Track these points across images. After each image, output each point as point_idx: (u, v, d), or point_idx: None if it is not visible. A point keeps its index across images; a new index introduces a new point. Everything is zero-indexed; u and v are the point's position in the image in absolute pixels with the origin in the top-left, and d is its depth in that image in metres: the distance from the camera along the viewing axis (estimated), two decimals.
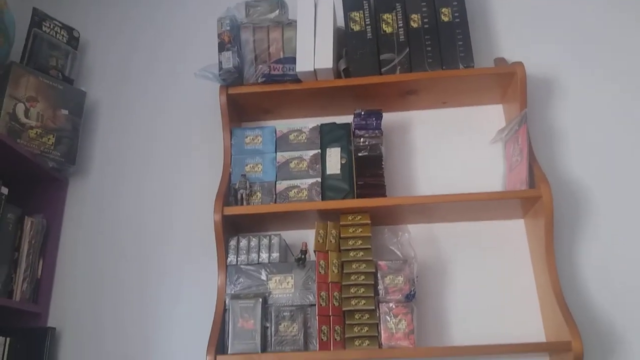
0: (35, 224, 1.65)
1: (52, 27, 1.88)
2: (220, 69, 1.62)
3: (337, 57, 1.65)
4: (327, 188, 1.55)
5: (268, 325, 1.42)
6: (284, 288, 1.46)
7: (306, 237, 1.59)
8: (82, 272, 1.69)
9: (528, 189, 1.44)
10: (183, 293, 1.63)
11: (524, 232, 1.57)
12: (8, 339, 1.46)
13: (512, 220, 1.59)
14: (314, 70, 1.58)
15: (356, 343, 1.36)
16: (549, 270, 1.39)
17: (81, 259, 1.71)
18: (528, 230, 1.55)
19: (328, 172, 1.57)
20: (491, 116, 1.70)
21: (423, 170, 1.68)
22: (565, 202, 1.58)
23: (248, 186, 1.57)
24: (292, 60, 1.61)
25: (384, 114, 1.62)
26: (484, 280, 1.53)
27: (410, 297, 1.40)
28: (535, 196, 1.42)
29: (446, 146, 1.70)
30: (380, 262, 1.45)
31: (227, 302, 1.45)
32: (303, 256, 1.52)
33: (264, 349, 1.39)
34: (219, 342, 1.38)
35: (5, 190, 1.53)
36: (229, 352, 1.38)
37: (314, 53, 1.60)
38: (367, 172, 1.56)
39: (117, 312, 1.63)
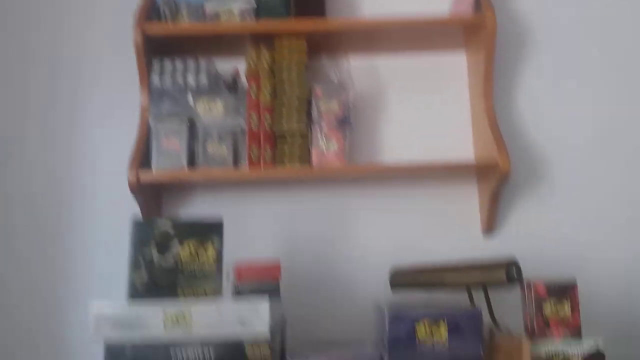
0: None
1: None
2: None
3: None
4: (262, 9, 1.42)
5: (196, 146, 1.35)
6: (212, 112, 1.37)
7: (237, 64, 1.49)
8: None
9: (472, 15, 1.38)
10: (102, 115, 1.52)
11: (464, 64, 1.53)
12: None
13: (454, 53, 1.53)
14: None
15: (286, 163, 1.32)
16: (485, 97, 1.37)
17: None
18: (469, 62, 1.51)
19: None
20: None
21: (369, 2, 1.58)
22: (511, 35, 1.53)
23: (172, 3, 1.42)
24: None
25: None
26: (421, 109, 1.51)
27: (344, 122, 1.36)
28: (479, 23, 1.36)
29: None
30: (315, 87, 1.38)
31: (150, 123, 1.36)
32: (234, 81, 1.43)
33: (190, 167, 1.33)
34: (143, 160, 1.31)
35: None
36: (153, 168, 1.31)
37: None
38: None
39: (39, 132, 1.52)
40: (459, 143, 1.48)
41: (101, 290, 1.42)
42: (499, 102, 1.47)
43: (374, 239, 1.46)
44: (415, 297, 1.32)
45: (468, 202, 1.46)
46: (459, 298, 1.21)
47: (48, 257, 1.46)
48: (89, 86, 1.54)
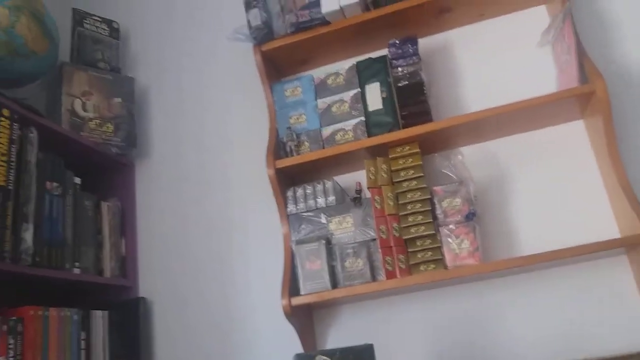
0: (111, 207, 1.79)
1: (92, 23, 1.98)
2: (250, 27, 1.64)
3: None
4: (371, 125, 1.55)
5: (334, 264, 1.46)
6: (344, 228, 1.49)
7: (359, 178, 1.60)
8: (161, 243, 1.82)
9: (580, 86, 1.36)
10: (253, 248, 1.71)
11: (585, 133, 1.49)
12: (107, 312, 1.61)
13: (571, 123, 1.51)
14: (340, 7, 1.57)
15: (422, 268, 1.38)
16: (614, 165, 1.32)
17: (158, 233, 1.83)
18: (589, 130, 1.47)
19: (370, 108, 1.56)
20: (534, 19, 1.60)
21: (470, 89, 1.63)
22: (625, 93, 1.47)
23: (295, 137, 1.60)
24: (318, 3, 1.60)
25: (421, 39, 1.60)
26: (548, 188, 1.49)
27: (470, 217, 1.39)
28: (589, 92, 1.34)
29: (491, 60, 1.63)
30: (435, 188, 1.44)
31: (293, 248, 1.50)
32: (358, 195, 1.54)
33: (334, 285, 1.44)
34: (291, 286, 1.45)
35: (78, 180, 1.66)
36: (301, 293, 1.44)
37: None
38: (410, 101, 1.53)
39: (197, 276, 1.74)
40: (598, 216, 1.41)
41: None
42: (628, 160, 1.40)
43: (526, 334, 1.41)
44: None
45: (620, 276, 1.38)
46: None
47: None
48: (238, 226, 1.76)
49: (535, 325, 1.41)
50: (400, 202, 1.44)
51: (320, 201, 1.54)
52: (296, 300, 1.42)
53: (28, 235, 1.37)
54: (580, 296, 1.39)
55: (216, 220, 1.78)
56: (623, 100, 1.46)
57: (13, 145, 1.38)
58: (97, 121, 1.81)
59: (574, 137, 1.49)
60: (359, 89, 1.58)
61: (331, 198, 1.54)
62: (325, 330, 1.57)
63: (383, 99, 1.55)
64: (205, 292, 1.72)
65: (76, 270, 1.57)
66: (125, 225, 1.82)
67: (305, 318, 1.53)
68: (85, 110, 1.81)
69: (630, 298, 1.36)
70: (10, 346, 1.27)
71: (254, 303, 1.66)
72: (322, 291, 1.42)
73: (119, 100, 1.90)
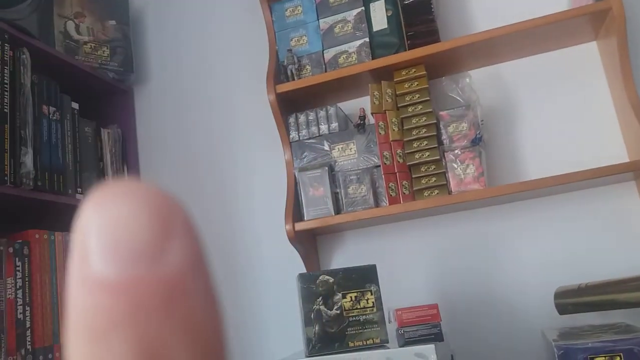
0: (111, 134, 1.76)
1: None
2: None
3: None
4: (376, 46, 1.49)
5: (338, 190, 1.45)
6: (347, 155, 1.47)
7: (362, 104, 1.57)
8: (163, 170, 1.81)
9: (594, 3, 1.29)
10: (256, 175, 1.70)
11: (597, 55, 1.43)
12: None
13: (584, 45, 1.45)
14: None
15: (425, 194, 1.37)
16: (626, 87, 1.27)
17: (160, 159, 1.82)
18: (602, 51, 1.42)
19: (375, 28, 1.49)
20: None
21: (479, 7, 1.55)
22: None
23: (296, 61, 1.54)
24: None
25: None
26: (558, 112, 1.45)
27: (476, 142, 1.36)
28: (604, 9, 1.27)
29: None
30: (441, 112, 1.40)
31: (296, 175, 1.49)
32: (362, 121, 1.51)
33: (337, 211, 1.44)
34: (295, 211, 1.45)
35: (76, 106, 1.62)
36: (305, 218, 1.44)
37: None
38: (417, 20, 1.46)
39: (201, 203, 1.74)
40: (607, 141, 1.39)
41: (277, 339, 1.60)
42: None
43: (531, 259, 1.41)
44: (584, 320, 1.28)
45: (627, 202, 1.36)
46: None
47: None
48: (240, 152, 1.73)
49: (540, 251, 1.41)
50: (405, 127, 1.41)
51: (323, 128, 1.51)
52: (300, 226, 1.42)
53: (28, 160, 1.35)
54: (587, 222, 1.39)
55: (218, 146, 1.76)
56: (635, 21, 1.39)
57: (5, 67, 1.34)
58: (92, 44, 1.75)
59: (586, 59, 1.44)
60: (362, 8, 1.51)
61: (334, 124, 1.51)
62: (328, 255, 1.59)
63: (388, 17, 1.48)
64: (210, 217, 1.73)
65: (79, 197, 1.57)
66: (127, 152, 1.80)
67: (309, 244, 1.55)
68: (79, 33, 1.74)
69: (637, 224, 1.35)
70: (18, 268, 1.29)
71: (258, 228, 1.67)
72: (325, 216, 1.42)
73: (113, 22, 1.83)
